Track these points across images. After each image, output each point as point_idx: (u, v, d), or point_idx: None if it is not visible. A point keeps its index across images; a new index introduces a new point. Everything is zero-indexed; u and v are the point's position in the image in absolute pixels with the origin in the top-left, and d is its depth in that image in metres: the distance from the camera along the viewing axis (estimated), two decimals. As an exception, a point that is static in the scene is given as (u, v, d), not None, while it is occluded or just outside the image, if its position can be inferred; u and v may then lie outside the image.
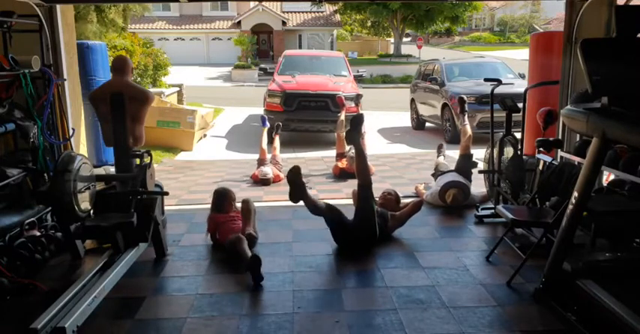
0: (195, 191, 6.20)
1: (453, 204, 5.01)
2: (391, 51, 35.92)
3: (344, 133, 5.87)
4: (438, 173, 5.61)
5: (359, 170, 4.17)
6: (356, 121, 4.24)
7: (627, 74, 2.57)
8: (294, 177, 3.84)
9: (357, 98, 9.14)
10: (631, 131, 2.44)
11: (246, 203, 4.23)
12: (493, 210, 4.61)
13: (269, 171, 6.52)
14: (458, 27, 36.59)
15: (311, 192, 3.83)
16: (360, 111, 8.82)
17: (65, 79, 4.62)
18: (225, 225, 4.14)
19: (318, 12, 34.42)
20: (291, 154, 8.94)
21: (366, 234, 4.03)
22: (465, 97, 6.43)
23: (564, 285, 2.96)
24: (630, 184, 3.59)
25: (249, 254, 3.58)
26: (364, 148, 5.72)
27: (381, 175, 6.77)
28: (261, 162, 6.75)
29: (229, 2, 33.93)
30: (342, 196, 5.64)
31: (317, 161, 8.16)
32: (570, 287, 2.88)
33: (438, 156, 6.33)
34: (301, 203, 3.79)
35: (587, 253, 3.27)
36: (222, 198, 4.36)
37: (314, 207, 3.93)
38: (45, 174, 4.18)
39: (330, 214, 4.00)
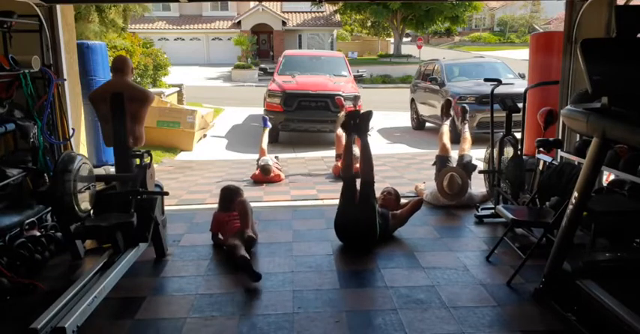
0: (195, 191, 6.20)
1: (451, 189, 5.01)
2: (391, 51, 35.93)
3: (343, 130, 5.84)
4: (439, 166, 5.60)
5: (363, 167, 4.17)
6: (365, 116, 4.23)
7: (627, 74, 2.57)
8: (351, 118, 4.21)
9: (354, 99, 9.15)
10: (631, 131, 2.44)
11: (241, 204, 4.09)
12: (493, 210, 4.61)
13: (269, 159, 6.69)
14: (458, 27, 36.56)
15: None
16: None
17: (65, 79, 4.62)
18: (227, 225, 4.13)
19: (318, 12, 34.41)
20: (291, 154, 8.95)
21: (366, 233, 4.03)
22: (467, 107, 6.45)
23: (564, 285, 2.96)
24: (630, 184, 3.59)
25: (240, 254, 3.59)
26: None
27: (381, 175, 6.76)
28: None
29: (229, 2, 33.96)
30: (342, 196, 5.63)
31: (317, 161, 8.16)
32: (570, 287, 2.88)
33: (444, 122, 6.12)
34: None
35: (587, 253, 3.27)
36: (229, 196, 4.31)
37: (345, 153, 4.15)
38: (45, 174, 4.18)
39: (350, 184, 4.08)
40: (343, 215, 4.08)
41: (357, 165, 4.65)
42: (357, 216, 4.03)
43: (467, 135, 5.84)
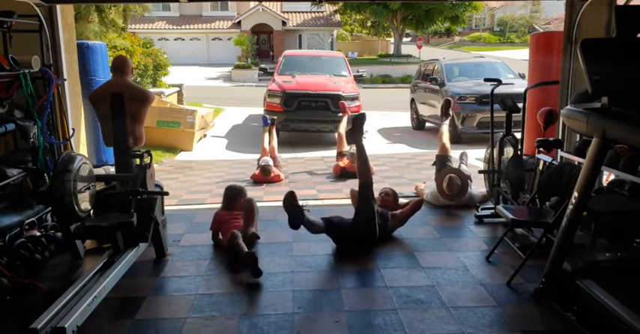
0: (195, 191, 6.20)
1: (450, 191, 5.01)
2: (391, 51, 35.92)
3: (344, 132, 5.85)
4: (439, 166, 5.61)
5: (360, 169, 4.18)
6: (358, 120, 4.24)
7: (627, 74, 2.57)
8: (291, 206, 3.67)
9: (352, 100, 9.15)
10: (631, 131, 2.44)
11: (249, 202, 4.22)
12: (493, 210, 4.61)
13: (270, 160, 6.68)
14: (458, 27, 36.55)
15: (309, 215, 3.77)
16: (362, 111, 8.82)
17: (65, 79, 4.62)
18: (227, 224, 4.14)
19: (318, 12, 34.41)
20: (291, 154, 8.95)
21: (366, 233, 4.03)
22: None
23: (564, 285, 2.96)
24: (630, 184, 3.59)
25: (245, 249, 3.62)
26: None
27: (381, 175, 6.77)
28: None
29: (229, 2, 33.94)
30: (342, 196, 5.64)
31: (317, 161, 8.16)
32: (570, 287, 2.88)
33: (443, 122, 6.14)
34: (301, 203, 3.76)
35: (587, 253, 3.27)
36: (232, 196, 4.37)
37: (313, 229, 3.88)
38: (45, 174, 4.18)
39: (330, 228, 3.97)
40: (341, 225, 4.07)
41: (355, 164, 4.65)
42: (357, 220, 4.03)
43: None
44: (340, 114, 8.05)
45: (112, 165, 4.86)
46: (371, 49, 39.03)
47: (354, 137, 4.22)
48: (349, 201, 4.85)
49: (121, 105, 3.77)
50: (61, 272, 3.68)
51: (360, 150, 4.18)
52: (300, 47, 32.63)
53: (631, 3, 4.30)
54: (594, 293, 2.70)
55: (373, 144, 9.50)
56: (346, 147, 7.01)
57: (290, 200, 3.67)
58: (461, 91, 10.03)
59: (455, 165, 5.65)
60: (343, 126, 7.41)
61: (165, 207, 4.43)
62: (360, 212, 4.06)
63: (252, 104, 15.43)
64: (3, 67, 3.74)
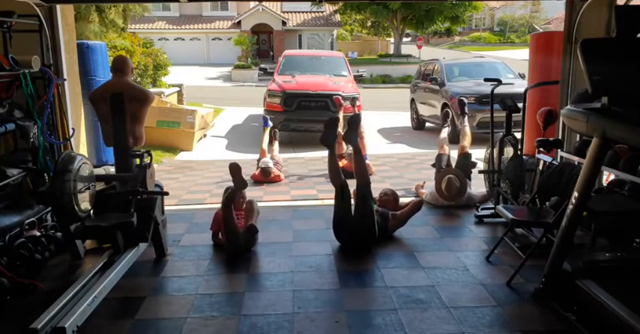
0: (195, 191, 6.20)
1: (449, 192, 5.01)
2: (391, 51, 35.92)
3: (342, 133, 5.88)
4: (438, 166, 5.62)
5: (357, 170, 4.18)
6: (353, 121, 4.26)
7: (627, 74, 2.57)
8: (332, 122, 4.12)
9: (352, 100, 9.13)
10: (631, 131, 2.44)
11: (250, 203, 4.23)
12: (493, 210, 4.61)
13: (270, 161, 6.66)
14: (458, 27, 36.57)
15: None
16: (358, 112, 8.80)
17: (65, 79, 4.62)
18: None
19: (318, 12, 34.41)
20: (291, 154, 8.94)
21: (365, 232, 4.03)
22: (465, 100, 6.59)
23: (564, 285, 2.96)
24: (630, 184, 3.59)
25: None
26: (363, 148, 5.75)
27: (381, 175, 6.77)
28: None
29: (229, 2, 33.96)
30: (342, 196, 5.63)
31: (317, 161, 8.16)
32: (570, 287, 2.88)
33: (443, 126, 6.42)
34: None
35: (587, 253, 3.27)
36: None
37: (335, 167, 4.10)
38: (45, 174, 4.18)
39: (342, 193, 4.04)
40: (341, 219, 4.07)
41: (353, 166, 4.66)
42: (356, 219, 4.04)
43: (467, 130, 5.91)
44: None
45: (112, 165, 4.86)
46: (371, 49, 39.03)
47: (351, 138, 4.24)
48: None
49: (121, 105, 3.78)
50: (61, 272, 3.68)
51: (357, 151, 4.19)
52: (300, 47, 32.64)
53: (631, 3, 4.30)
54: (594, 293, 2.70)
55: (373, 144, 9.49)
56: (345, 148, 7.01)
57: (333, 121, 4.15)
58: (461, 91, 10.02)
59: (453, 163, 5.66)
60: (341, 126, 7.41)
61: (166, 207, 4.43)
62: (359, 211, 4.06)
63: (252, 104, 15.43)
64: (3, 67, 3.74)
